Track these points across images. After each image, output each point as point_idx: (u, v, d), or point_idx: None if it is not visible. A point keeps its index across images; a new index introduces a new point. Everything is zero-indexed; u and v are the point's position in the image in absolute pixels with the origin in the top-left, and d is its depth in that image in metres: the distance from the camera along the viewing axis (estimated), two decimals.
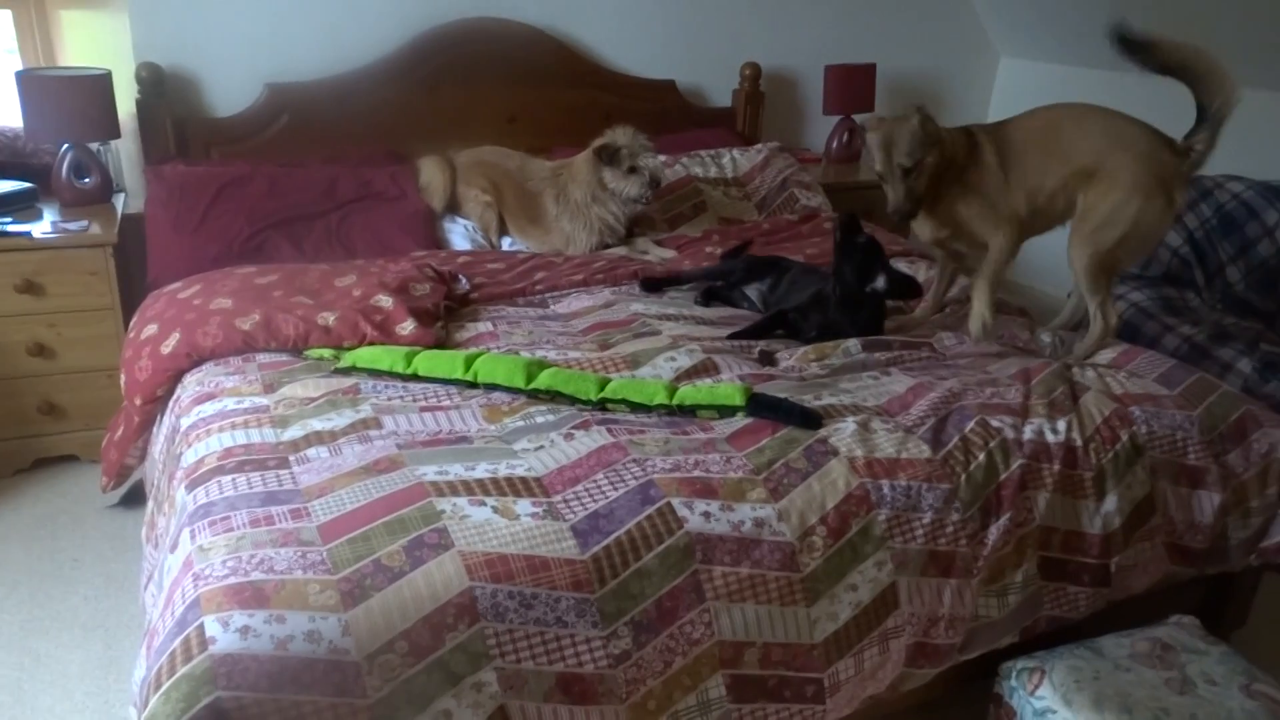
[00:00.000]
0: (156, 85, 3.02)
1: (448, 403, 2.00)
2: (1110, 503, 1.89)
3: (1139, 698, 1.70)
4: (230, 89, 3.20)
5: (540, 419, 1.93)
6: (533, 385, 2.03)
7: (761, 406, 1.90)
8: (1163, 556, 1.97)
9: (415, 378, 2.11)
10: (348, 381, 2.08)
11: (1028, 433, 1.89)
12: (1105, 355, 2.28)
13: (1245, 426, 2.05)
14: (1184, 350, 2.89)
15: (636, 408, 1.97)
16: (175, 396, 2.15)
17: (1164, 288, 3.27)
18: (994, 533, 1.78)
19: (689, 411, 1.94)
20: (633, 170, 3.05)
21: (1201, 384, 2.13)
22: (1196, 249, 3.31)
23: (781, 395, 1.95)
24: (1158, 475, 1.95)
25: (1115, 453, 1.91)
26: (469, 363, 2.10)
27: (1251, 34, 3.29)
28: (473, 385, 2.08)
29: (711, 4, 3.89)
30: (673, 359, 2.18)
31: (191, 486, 1.68)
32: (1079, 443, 1.90)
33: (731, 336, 2.40)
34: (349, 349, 2.22)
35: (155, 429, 2.26)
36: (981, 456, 1.82)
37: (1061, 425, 1.92)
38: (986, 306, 2.34)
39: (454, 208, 3.24)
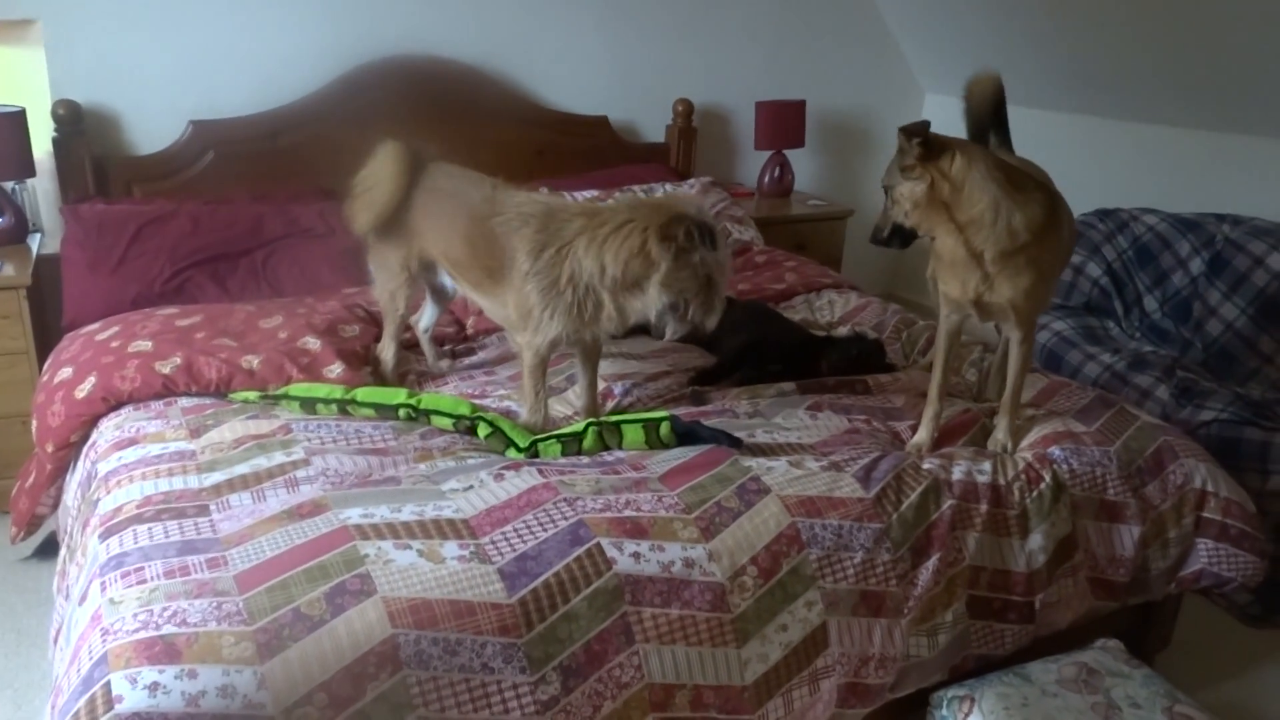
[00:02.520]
0: (74, 123, 2.95)
1: (383, 445, 1.97)
2: (1035, 541, 1.91)
3: None
4: (153, 126, 3.14)
5: (471, 460, 1.91)
6: (477, 414, 2.03)
7: (684, 425, 1.93)
8: (1086, 591, 2.00)
9: (353, 402, 2.08)
10: (278, 422, 2.04)
11: (957, 473, 1.91)
12: (1027, 392, 2.32)
13: (1162, 458, 2.10)
14: (1105, 378, 2.96)
15: (567, 442, 1.96)
16: (91, 442, 2.08)
17: (1085, 317, 3.36)
18: (925, 572, 1.79)
19: (615, 431, 1.94)
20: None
21: (1119, 418, 2.18)
22: (1115, 279, 3.41)
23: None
24: (1079, 512, 1.97)
25: (1039, 492, 1.94)
26: (412, 392, 2.12)
27: (1164, 74, 3.42)
28: (414, 416, 2.06)
29: (643, 41, 3.93)
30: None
31: (106, 535, 1.63)
32: (1003, 482, 1.93)
33: (701, 377, 2.39)
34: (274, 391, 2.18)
35: (69, 475, 2.18)
36: (913, 496, 1.83)
37: (986, 466, 1.94)
38: (1013, 432, 2.06)
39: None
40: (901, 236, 1.94)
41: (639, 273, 1.89)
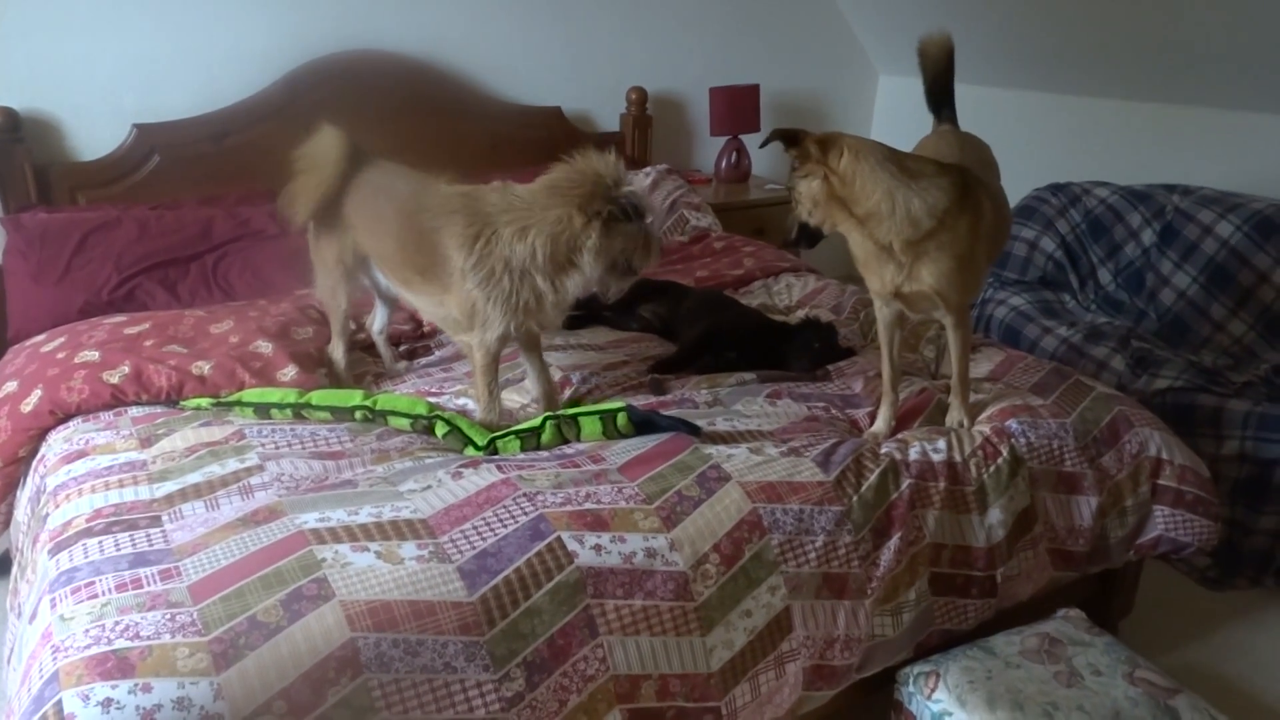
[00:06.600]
0: (12, 130, 2.88)
1: (339, 449, 1.95)
2: (994, 515, 1.93)
3: (1029, 693, 1.74)
4: (95, 131, 3.08)
5: (429, 460, 1.89)
6: (434, 413, 2.02)
7: (640, 414, 1.93)
8: (1046, 563, 2.02)
9: (309, 406, 2.06)
10: (231, 428, 2.01)
11: (913, 453, 1.92)
12: (984, 366, 2.34)
13: (1118, 428, 2.12)
14: (1062, 351, 3.00)
15: (525, 437, 1.95)
16: (40, 455, 2.04)
17: (1041, 291, 3.39)
18: (886, 552, 1.80)
19: (572, 423, 1.94)
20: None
21: (1075, 389, 2.20)
22: (1069, 253, 3.45)
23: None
24: (1037, 485, 1.99)
25: (996, 467, 1.95)
26: (369, 393, 2.10)
27: (1110, 49, 3.46)
28: (370, 417, 2.04)
29: (593, 30, 3.91)
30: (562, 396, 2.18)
31: (55, 551, 1.59)
32: (960, 459, 1.94)
33: (660, 366, 2.38)
34: (227, 396, 2.15)
35: (19, 491, 2.13)
36: (872, 478, 1.84)
37: (941, 444, 1.95)
38: (967, 409, 2.08)
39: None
40: (809, 235, 1.93)
41: (569, 251, 1.91)
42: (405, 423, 2.04)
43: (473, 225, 1.96)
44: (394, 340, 2.57)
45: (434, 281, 2.04)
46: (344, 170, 2.19)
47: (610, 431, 1.92)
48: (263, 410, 2.08)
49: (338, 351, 2.34)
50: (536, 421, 1.96)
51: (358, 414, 2.05)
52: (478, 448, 1.96)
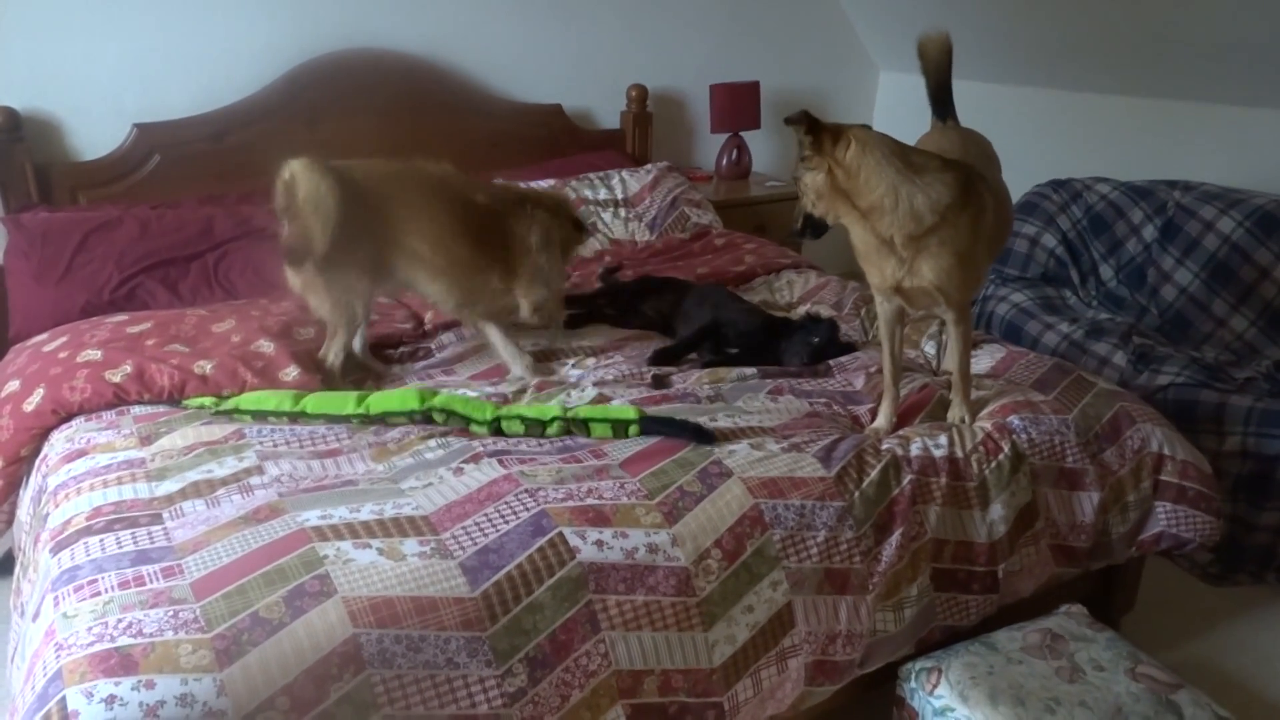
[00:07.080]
0: (13, 130, 2.88)
1: (336, 446, 1.95)
2: (995, 511, 1.93)
3: (1031, 689, 1.74)
4: (95, 131, 3.08)
5: (430, 455, 1.89)
6: (427, 405, 2.01)
7: (654, 421, 1.91)
8: (1048, 559, 2.02)
9: (303, 415, 2.05)
10: (230, 428, 2.01)
11: (915, 449, 1.92)
12: (985, 362, 2.34)
13: (1119, 424, 2.12)
14: (1064, 347, 3.00)
15: (531, 424, 1.95)
16: (42, 455, 2.04)
17: (1043, 288, 3.39)
18: (888, 548, 1.80)
19: (583, 426, 1.93)
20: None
21: (1076, 385, 2.20)
22: (1071, 249, 3.44)
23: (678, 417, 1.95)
24: (1039, 480, 1.99)
25: (998, 463, 1.95)
26: (361, 399, 2.07)
27: (1110, 44, 3.45)
28: (366, 420, 2.03)
29: (593, 28, 3.91)
30: (566, 396, 2.18)
31: (57, 549, 1.60)
32: (961, 454, 1.94)
33: (661, 355, 2.40)
34: (228, 397, 2.15)
35: (22, 490, 2.14)
36: (874, 473, 1.84)
37: (943, 440, 1.95)
38: (969, 406, 2.08)
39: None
40: (814, 227, 1.92)
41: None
42: (402, 419, 2.03)
43: (542, 225, 2.40)
44: (394, 341, 2.56)
45: (494, 267, 2.34)
46: (340, 192, 2.14)
47: (620, 437, 1.92)
48: (260, 418, 2.07)
49: (338, 360, 2.31)
50: (546, 415, 1.95)
51: (354, 421, 2.04)
52: (480, 423, 1.96)
